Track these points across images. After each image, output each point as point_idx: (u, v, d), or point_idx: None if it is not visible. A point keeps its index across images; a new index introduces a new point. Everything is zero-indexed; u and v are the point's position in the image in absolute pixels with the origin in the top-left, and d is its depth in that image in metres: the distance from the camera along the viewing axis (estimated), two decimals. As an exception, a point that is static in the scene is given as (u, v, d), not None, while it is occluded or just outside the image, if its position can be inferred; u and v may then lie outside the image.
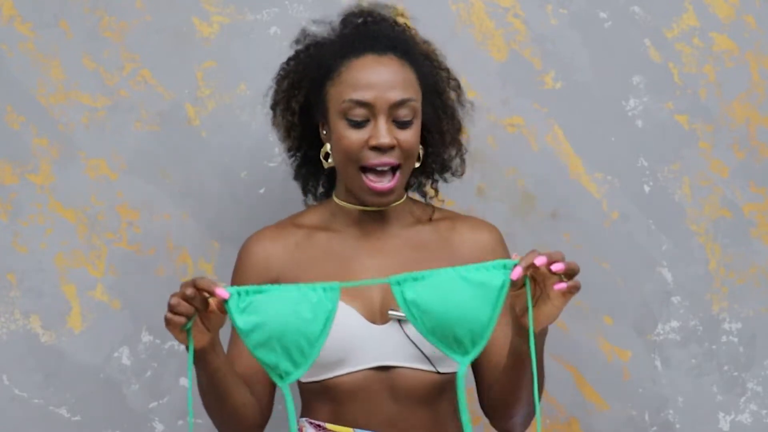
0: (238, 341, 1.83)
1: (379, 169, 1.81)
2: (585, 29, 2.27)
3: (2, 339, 2.17)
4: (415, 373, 1.78)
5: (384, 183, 1.81)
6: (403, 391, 1.79)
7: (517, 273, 1.58)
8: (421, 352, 1.77)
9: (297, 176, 2.00)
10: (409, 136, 1.82)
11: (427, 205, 1.95)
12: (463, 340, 1.59)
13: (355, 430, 1.78)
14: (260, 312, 1.58)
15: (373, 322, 1.79)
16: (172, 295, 1.61)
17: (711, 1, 2.27)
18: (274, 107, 1.95)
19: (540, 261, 1.58)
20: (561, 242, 2.24)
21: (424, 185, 1.98)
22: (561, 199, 2.25)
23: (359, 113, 1.81)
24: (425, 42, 1.96)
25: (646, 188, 2.26)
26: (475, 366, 1.87)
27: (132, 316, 2.18)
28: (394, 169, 1.82)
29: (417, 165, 1.88)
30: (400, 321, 1.78)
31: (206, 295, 1.60)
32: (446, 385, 1.81)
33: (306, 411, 1.85)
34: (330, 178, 1.97)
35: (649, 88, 2.26)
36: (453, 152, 1.96)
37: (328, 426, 1.80)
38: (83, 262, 2.18)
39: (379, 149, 1.80)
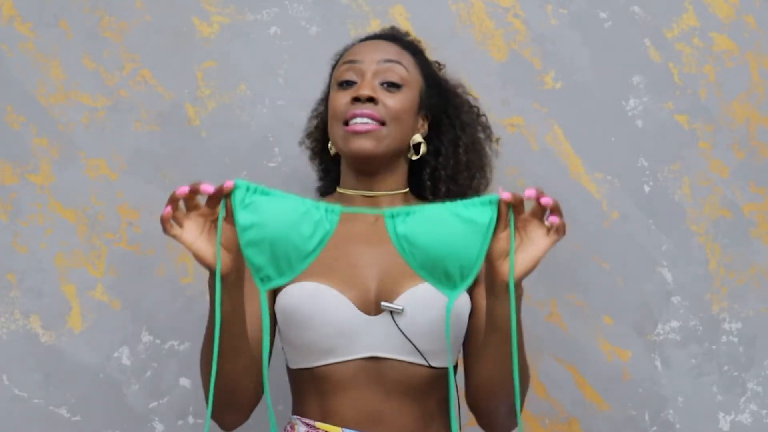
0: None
1: (360, 120, 1.83)
2: (585, 29, 2.27)
3: (2, 339, 2.17)
4: (406, 366, 1.78)
5: (363, 125, 1.83)
6: (393, 384, 1.78)
7: (506, 196, 1.56)
8: (413, 345, 1.77)
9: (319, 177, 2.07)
10: (396, 101, 1.85)
11: (426, 200, 1.97)
12: (453, 274, 1.58)
13: (344, 430, 1.77)
14: (261, 213, 1.56)
15: (367, 312, 1.79)
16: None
17: (711, 1, 2.28)
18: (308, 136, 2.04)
19: (529, 193, 1.57)
20: (561, 242, 2.23)
21: (427, 187, 1.98)
22: (561, 199, 2.23)
23: (348, 75, 1.86)
24: (438, 63, 2.03)
25: (646, 188, 2.26)
26: (464, 342, 1.85)
27: (132, 316, 2.18)
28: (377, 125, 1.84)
29: (415, 157, 1.90)
30: (392, 313, 1.78)
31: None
32: (437, 381, 1.80)
33: (297, 408, 1.84)
34: (332, 173, 2.00)
35: (649, 88, 2.26)
36: (473, 178, 1.98)
37: (318, 425, 1.79)
38: (83, 262, 2.18)
39: (358, 99, 1.83)
